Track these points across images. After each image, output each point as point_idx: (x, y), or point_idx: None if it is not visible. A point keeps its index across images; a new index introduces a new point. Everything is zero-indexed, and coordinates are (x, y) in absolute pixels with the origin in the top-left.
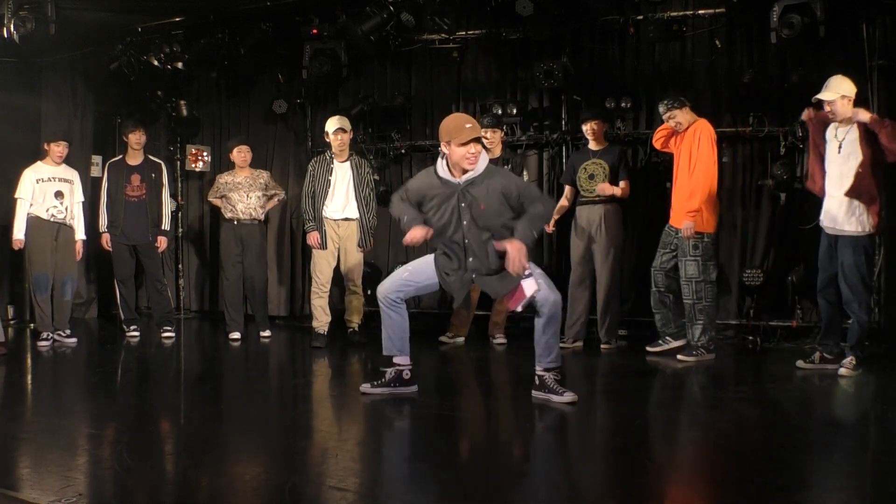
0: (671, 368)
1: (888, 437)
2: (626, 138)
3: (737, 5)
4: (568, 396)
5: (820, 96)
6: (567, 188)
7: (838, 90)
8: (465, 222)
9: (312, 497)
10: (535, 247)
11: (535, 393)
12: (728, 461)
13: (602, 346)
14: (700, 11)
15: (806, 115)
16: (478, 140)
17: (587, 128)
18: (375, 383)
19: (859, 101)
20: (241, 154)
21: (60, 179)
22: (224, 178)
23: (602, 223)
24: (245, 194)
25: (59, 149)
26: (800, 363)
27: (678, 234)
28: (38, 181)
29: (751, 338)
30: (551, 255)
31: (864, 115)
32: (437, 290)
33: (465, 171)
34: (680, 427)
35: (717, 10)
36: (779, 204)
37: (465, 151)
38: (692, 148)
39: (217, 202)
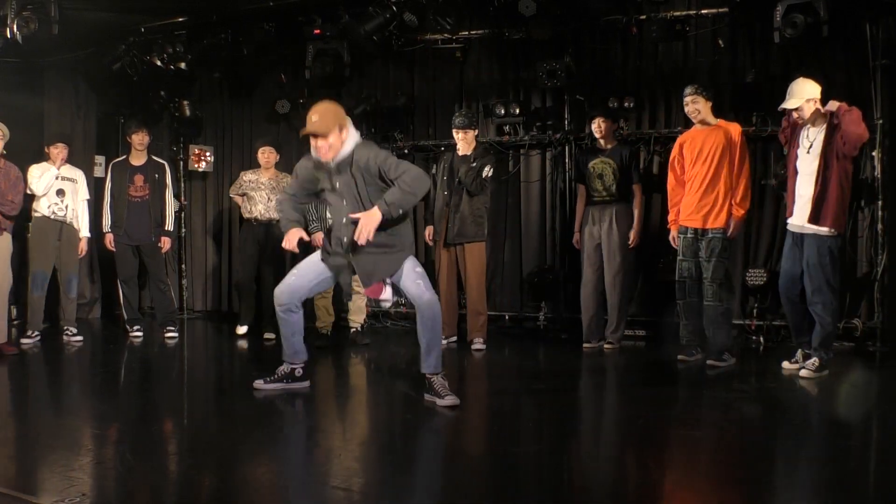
0: (673, 368)
1: (890, 438)
2: (630, 138)
3: (740, 5)
4: (449, 400)
5: (785, 105)
6: (581, 188)
7: (802, 95)
8: (343, 202)
9: (315, 497)
10: (539, 248)
11: (425, 395)
12: (729, 461)
13: (605, 345)
14: (703, 11)
15: (783, 136)
16: (314, 135)
17: (595, 124)
18: (268, 379)
19: (862, 101)
20: (264, 155)
21: (63, 178)
22: (248, 176)
23: (612, 223)
24: (266, 195)
25: (56, 150)
26: (785, 364)
27: (708, 235)
28: (40, 177)
29: (754, 337)
30: (565, 256)
31: (833, 105)
32: (335, 283)
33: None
34: (681, 426)
35: (719, 10)
36: (782, 203)
37: (313, 142)
38: (721, 146)
39: (238, 199)
